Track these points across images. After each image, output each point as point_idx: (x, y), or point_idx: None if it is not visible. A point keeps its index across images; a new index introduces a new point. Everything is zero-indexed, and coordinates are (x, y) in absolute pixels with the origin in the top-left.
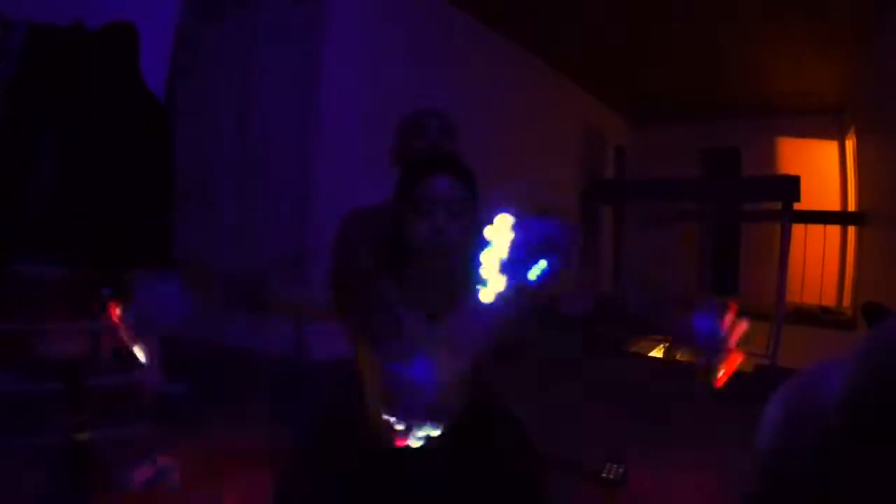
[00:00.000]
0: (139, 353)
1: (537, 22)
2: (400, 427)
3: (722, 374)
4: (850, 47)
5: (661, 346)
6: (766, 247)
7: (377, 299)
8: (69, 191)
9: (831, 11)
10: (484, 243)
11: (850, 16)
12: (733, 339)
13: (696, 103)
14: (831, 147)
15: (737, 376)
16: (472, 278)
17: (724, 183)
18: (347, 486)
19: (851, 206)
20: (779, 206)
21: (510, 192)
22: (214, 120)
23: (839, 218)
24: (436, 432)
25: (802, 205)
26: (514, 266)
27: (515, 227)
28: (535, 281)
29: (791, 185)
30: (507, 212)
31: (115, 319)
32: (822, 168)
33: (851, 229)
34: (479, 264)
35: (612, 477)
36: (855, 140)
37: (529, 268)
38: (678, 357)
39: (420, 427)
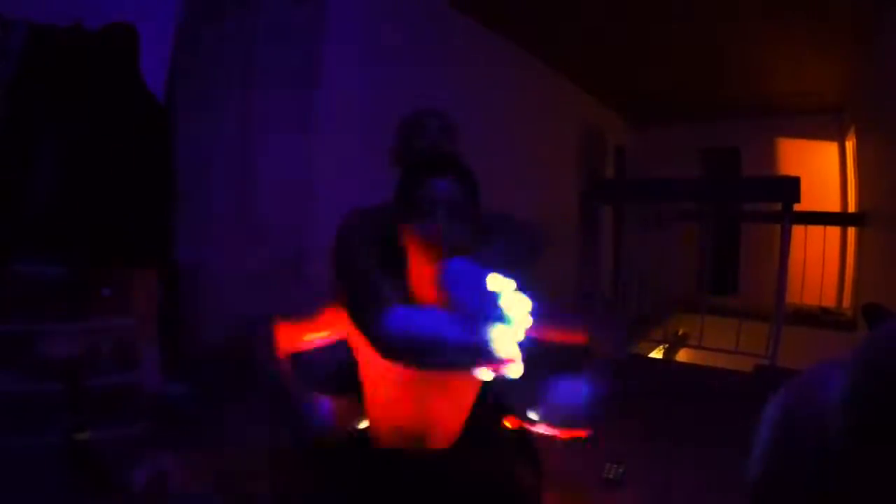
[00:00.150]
0: None
1: (537, 22)
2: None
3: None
4: (850, 47)
5: (661, 347)
6: (766, 247)
7: (377, 300)
8: (69, 191)
9: (831, 11)
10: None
11: (850, 16)
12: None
13: (696, 103)
14: (831, 148)
15: (737, 376)
16: None
17: (724, 183)
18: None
19: (851, 207)
20: (779, 206)
21: (510, 193)
22: (214, 120)
23: (839, 219)
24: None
25: (802, 205)
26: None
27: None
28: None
29: (791, 186)
30: (526, 294)
31: None
32: (822, 169)
33: (851, 230)
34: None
35: (612, 477)
36: (855, 141)
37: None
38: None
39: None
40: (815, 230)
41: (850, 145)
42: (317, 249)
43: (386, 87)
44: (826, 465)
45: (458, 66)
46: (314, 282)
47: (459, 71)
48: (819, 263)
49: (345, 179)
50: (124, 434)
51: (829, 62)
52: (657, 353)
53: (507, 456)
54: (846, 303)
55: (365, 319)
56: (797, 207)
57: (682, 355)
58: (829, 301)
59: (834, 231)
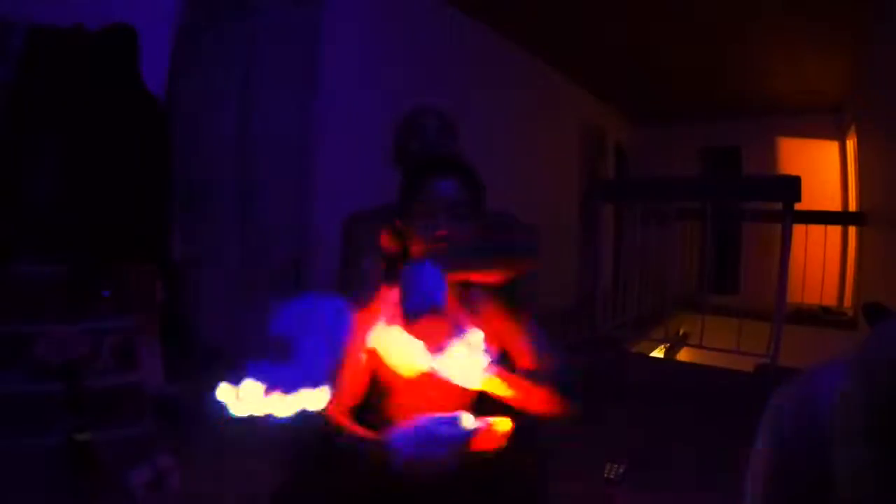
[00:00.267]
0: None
1: (537, 22)
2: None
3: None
4: (850, 47)
5: (662, 346)
6: (766, 247)
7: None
8: (69, 191)
9: (831, 11)
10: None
11: (850, 15)
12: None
13: (696, 102)
14: (832, 146)
15: (738, 376)
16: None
17: (725, 182)
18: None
19: (852, 206)
20: (779, 205)
21: (510, 192)
22: (214, 120)
23: (840, 218)
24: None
25: (803, 205)
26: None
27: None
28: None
29: (792, 185)
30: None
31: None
32: (822, 168)
33: (852, 229)
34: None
35: (612, 476)
36: (856, 140)
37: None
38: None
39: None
40: (816, 229)
41: (850, 144)
42: (316, 249)
43: (385, 87)
44: (826, 465)
45: (457, 65)
46: (313, 280)
47: (459, 70)
48: (820, 263)
49: (344, 179)
50: (124, 434)
51: (829, 61)
52: (658, 353)
53: (509, 444)
54: (847, 302)
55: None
56: (798, 206)
57: (683, 355)
58: (830, 300)
59: (835, 230)
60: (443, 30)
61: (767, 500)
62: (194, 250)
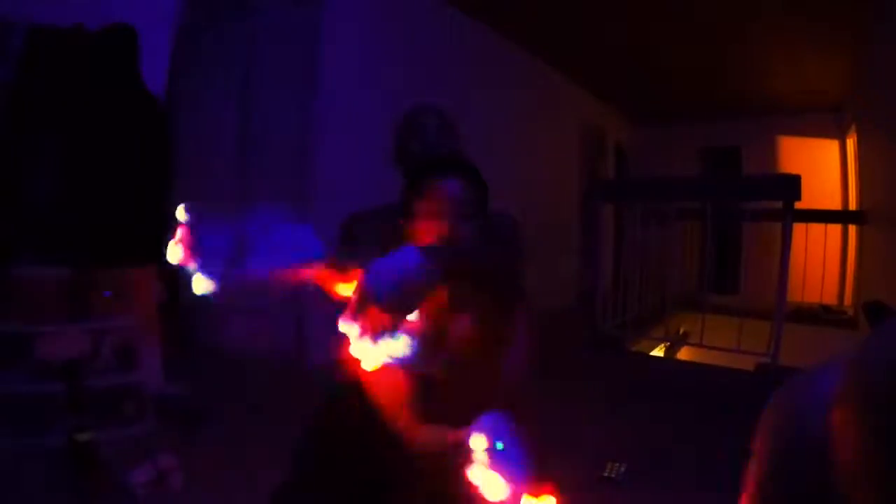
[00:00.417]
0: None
1: (537, 22)
2: None
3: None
4: (850, 47)
5: (662, 345)
6: (766, 245)
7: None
8: (69, 191)
9: (831, 11)
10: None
11: (850, 15)
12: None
13: (696, 103)
14: (832, 146)
15: (738, 375)
16: None
17: (725, 182)
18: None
19: (852, 205)
20: (780, 204)
21: (511, 192)
22: (214, 120)
23: (840, 216)
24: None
25: (803, 203)
26: None
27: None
28: None
29: (792, 184)
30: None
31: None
32: (823, 166)
33: (853, 228)
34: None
35: (613, 476)
36: (856, 138)
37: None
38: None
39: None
40: (816, 228)
41: (850, 143)
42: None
43: (385, 87)
44: (826, 465)
45: (457, 65)
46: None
47: (459, 70)
48: (820, 261)
49: (344, 179)
50: (125, 434)
51: (829, 61)
52: (658, 352)
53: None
54: (847, 301)
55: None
56: (798, 205)
57: (684, 354)
58: (830, 299)
59: (835, 229)
60: (443, 30)
61: (766, 501)
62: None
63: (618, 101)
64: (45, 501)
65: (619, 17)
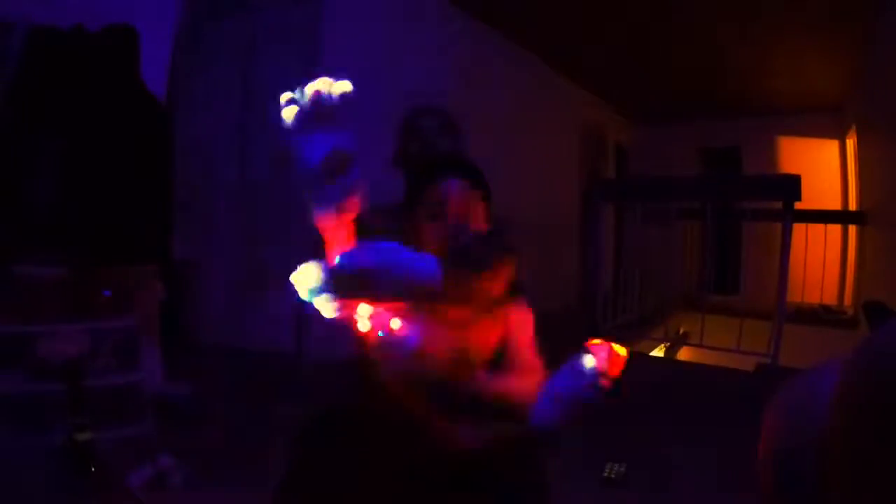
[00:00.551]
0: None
1: (537, 22)
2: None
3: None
4: (850, 46)
5: (662, 345)
6: (767, 246)
7: None
8: (69, 191)
9: (831, 11)
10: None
11: (850, 15)
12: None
13: (696, 102)
14: (832, 146)
15: (739, 375)
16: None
17: (725, 182)
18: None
19: (852, 205)
20: (780, 204)
21: (511, 192)
22: (214, 120)
23: (840, 217)
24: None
25: (803, 204)
26: None
27: None
28: None
29: (792, 184)
30: None
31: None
32: (822, 167)
33: (852, 228)
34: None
35: (613, 476)
36: (856, 139)
37: None
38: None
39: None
40: (816, 228)
41: (850, 143)
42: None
43: (385, 87)
44: (826, 466)
45: (458, 65)
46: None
47: (460, 70)
48: (820, 261)
49: None
50: (125, 434)
51: (829, 61)
52: (658, 352)
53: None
54: (847, 301)
55: None
56: (798, 206)
57: (684, 354)
58: (830, 299)
59: (835, 229)
60: (443, 30)
61: (768, 501)
62: (193, 250)
63: (618, 101)
64: (45, 501)
65: (619, 17)
